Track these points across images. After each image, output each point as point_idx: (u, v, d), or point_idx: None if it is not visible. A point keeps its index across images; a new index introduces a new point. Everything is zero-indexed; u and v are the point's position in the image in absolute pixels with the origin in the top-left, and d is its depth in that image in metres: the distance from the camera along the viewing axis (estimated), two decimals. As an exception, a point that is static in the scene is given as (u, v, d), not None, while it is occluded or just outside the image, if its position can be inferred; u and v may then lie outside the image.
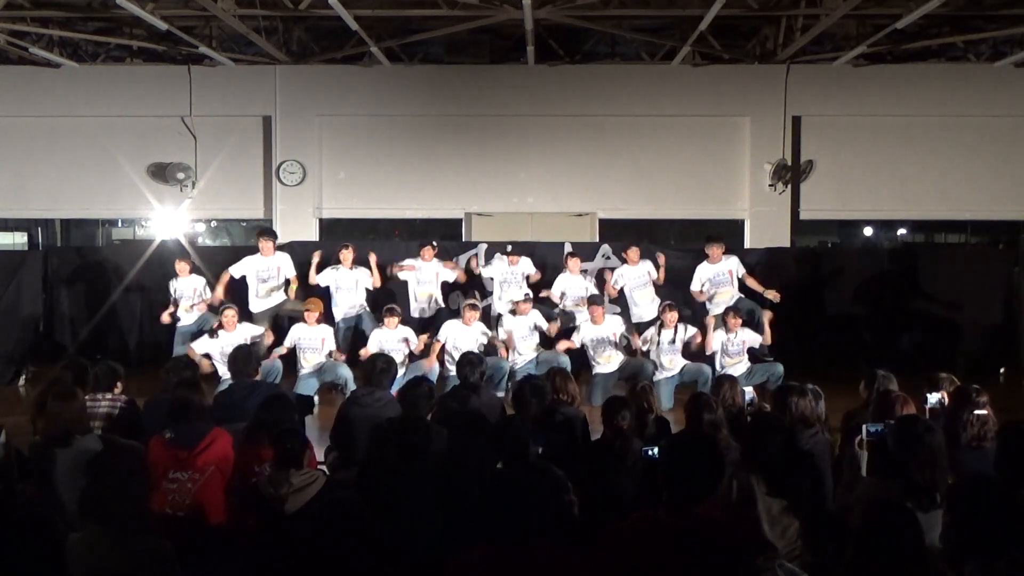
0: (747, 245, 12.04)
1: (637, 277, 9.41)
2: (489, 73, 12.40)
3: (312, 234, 12.31)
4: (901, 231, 14.09)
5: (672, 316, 8.43)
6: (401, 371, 7.88)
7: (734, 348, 8.44)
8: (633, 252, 9.44)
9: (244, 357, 5.91)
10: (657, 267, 9.43)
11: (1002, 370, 10.17)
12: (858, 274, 10.66)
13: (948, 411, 4.65)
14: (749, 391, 7.65)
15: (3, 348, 9.74)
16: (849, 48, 11.22)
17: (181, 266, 9.28)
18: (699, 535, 2.81)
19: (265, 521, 3.86)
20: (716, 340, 8.44)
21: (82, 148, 12.47)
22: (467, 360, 5.95)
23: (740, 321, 8.42)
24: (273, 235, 9.53)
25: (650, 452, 4.28)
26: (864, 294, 10.58)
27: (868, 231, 14.15)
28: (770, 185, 12.20)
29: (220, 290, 9.03)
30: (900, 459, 3.64)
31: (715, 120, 12.42)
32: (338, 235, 12.67)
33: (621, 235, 11.93)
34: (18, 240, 13.33)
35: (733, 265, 9.28)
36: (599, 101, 12.29)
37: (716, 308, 9.04)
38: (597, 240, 11.69)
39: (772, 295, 9.07)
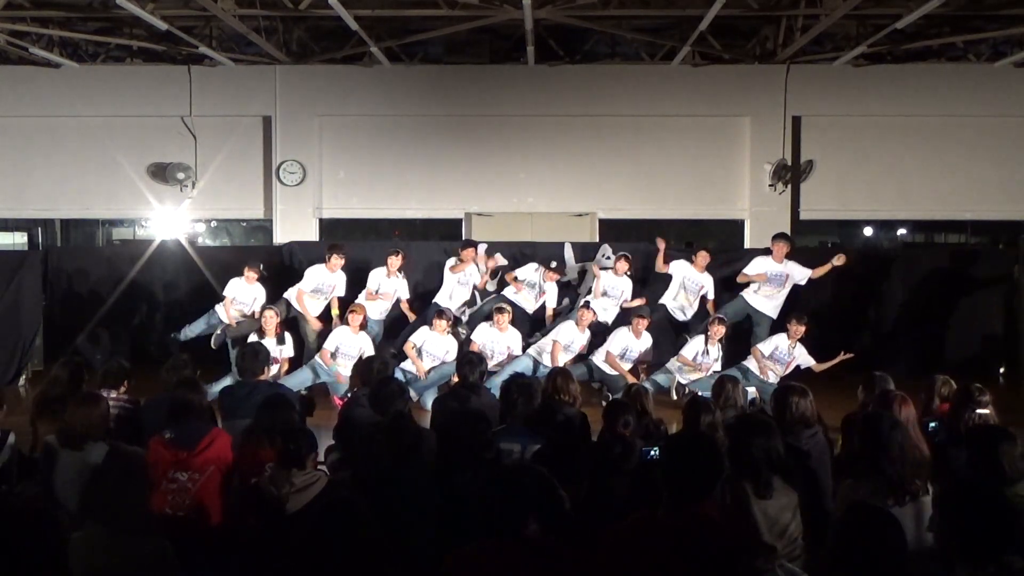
0: (747, 245, 12.05)
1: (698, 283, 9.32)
2: (489, 73, 12.40)
3: (312, 234, 12.32)
4: (901, 231, 14.09)
5: (718, 330, 8.32)
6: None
7: (784, 356, 8.28)
8: (702, 257, 9.28)
9: (252, 356, 5.90)
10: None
11: (1002, 370, 10.17)
12: (858, 274, 10.65)
13: (949, 410, 4.65)
14: (751, 391, 7.68)
15: (3, 348, 9.74)
16: (849, 48, 11.22)
17: (250, 273, 9.00)
18: (699, 535, 2.82)
19: (265, 521, 3.86)
20: (768, 345, 8.37)
21: (82, 148, 12.48)
22: (467, 360, 5.95)
23: (803, 329, 8.21)
24: (342, 250, 9.18)
25: (651, 453, 4.29)
26: (864, 294, 10.58)
27: (868, 231, 14.15)
28: (770, 185, 12.20)
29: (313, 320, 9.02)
30: (870, 457, 3.64)
31: (715, 120, 12.42)
32: (338, 235, 12.68)
33: (621, 235, 11.95)
34: (18, 240, 13.33)
35: (792, 270, 9.13)
36: (599, 101, 12.29)
37: (762, 301, 9.07)
38: (597, 240, 11.68)
39: (839, 259, 8.99)
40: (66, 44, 11.84)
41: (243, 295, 9.07)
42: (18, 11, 10.03)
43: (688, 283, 9.30)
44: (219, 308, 9.07)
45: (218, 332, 8.97)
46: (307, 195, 12.39)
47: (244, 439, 4.56)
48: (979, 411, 4.36)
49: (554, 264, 9.37)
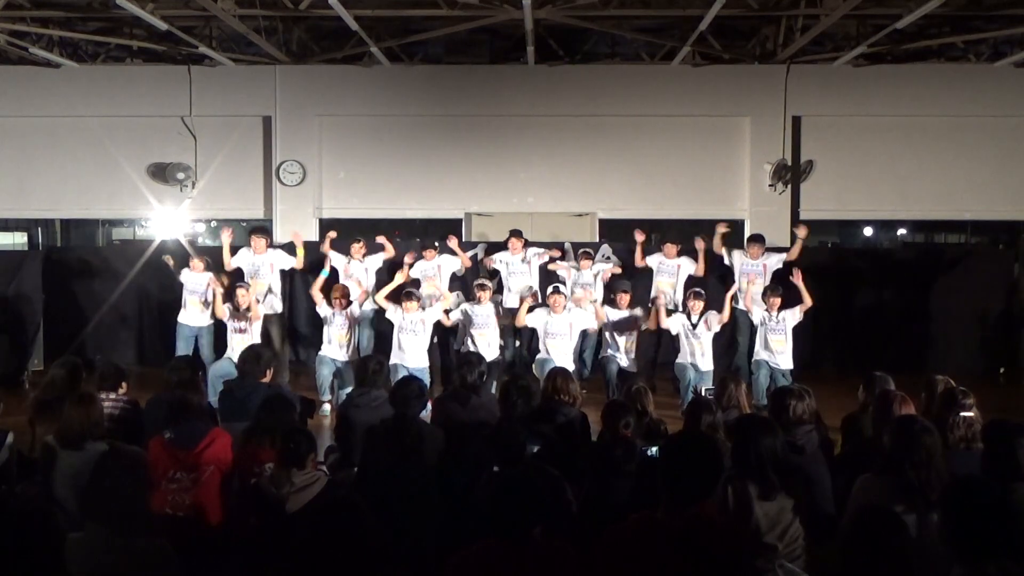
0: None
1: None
2: (489, 73, 12.40)
3: (312, 234, 12.30)
4: (901, 231, 14.10)
5: (697, 304, 8.43)
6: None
7: (777, 325, 8.41)
8: (670, 247, 9.60)
9: (253, 358, 5.90)
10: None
11: (1002, 370, 10.17)
12: (858, 274, 10.67)
13: (935, 414, 4.65)
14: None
15: (3, 348, 9.75)
16: (849, 48, 11.22)
17: (195, 263, 9.13)
18: (699, 535, 2.81)
19: (265, 520, 3.86)
20: (756, 314, 8.53)
21: (82, 148, 12.47)
22: (466, 360, 5.95)
23: (780, 300, 8.42)
24: (265, 232, 9.52)
25: (649, 452, 4.30)
26: (863, 294, 10.60)
27: (868, 231, 14.15)
28: (770, 185, 12.20)
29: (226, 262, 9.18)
30: (897, 458, 3.64)
31: (715, 120, 12.42)
32: (338, 235, 12.65)
33: (621, 235, 11.95)
34: (18, 240, 13.33)
35: (768, 260, 9.41)
36: (599, 101, 12.29)
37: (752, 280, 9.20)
38: (597, 240, 11.68)
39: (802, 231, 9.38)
40: (66, 44, 11.84)
41: (196, 283, 9.16)
42: (18, 11, 10.02)
43: (662, 267, 9.53)
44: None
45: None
46: (307, 195, 12.39)
47: (244, 439, 4.56)
48: (963, 414, 4.36)
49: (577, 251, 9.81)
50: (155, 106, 12.24)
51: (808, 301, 8.48)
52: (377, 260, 9.67)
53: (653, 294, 9.39)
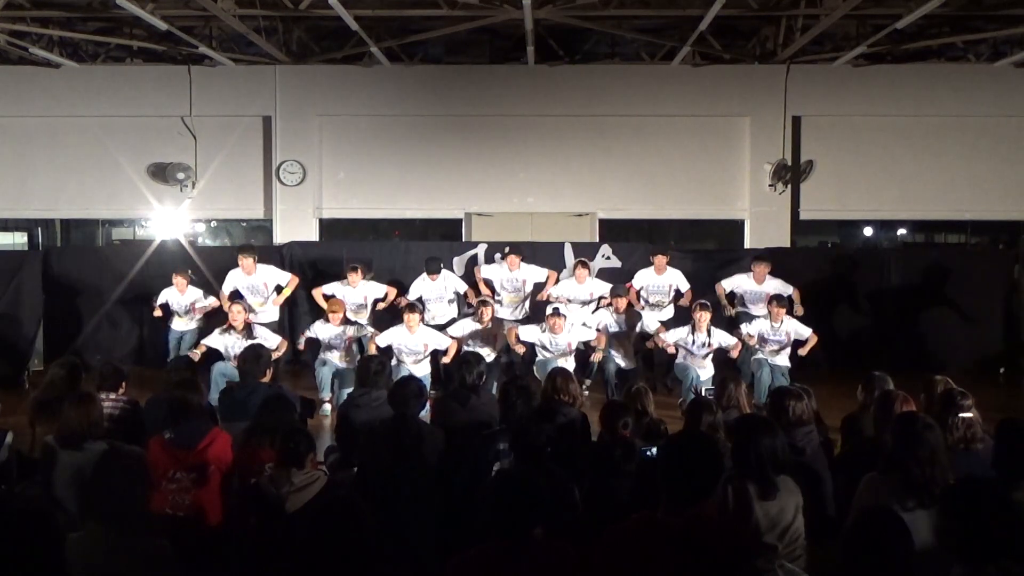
0: (747, 245, 12.05)
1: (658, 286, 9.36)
2: (489, 73, 12.40)
3: (312, 234, 12.32)
4: (901, 231, 14.08)
5: (703, 316, 8.12)
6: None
7: (777, 336, 8.29)
8: (660, 259, 9.33)
9: (253, 358, 5.90)
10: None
11: (1002, 370, 10.17)
12: (858, 275, 10.67)
13: (935, 414, 4.65)
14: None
15: (3, 349, 9.74)
16: (849, 48, 11.22)
17: (179, 281, 9.15)
18: (699, 535, 2.81)
19: (265, 520, 3.86)
20: (751, 328, 8.34)
21: (82, 148, 12.47)
22: (465, 360, 5.95)
23: (784, 310, 8.30)
24: (251, 250, 9.32)
25: (648, 452, 4.30)
26: (864, 295, 10.59)
27: (868, 231, 14.14)
28: (770, 185, 12.20)
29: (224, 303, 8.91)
30: (899, 456, 3.64)
31: (715, 120, 12.42)
32: (338, 235, 12.69)
33: (621, 235, 11.96)
34: (18, 240, 13.33)
35: (772, 288, 9.09)
36: (599, 101, 12.29)
37: (754, 308, 9.09)
38: (597, 240, 11.68)
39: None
40: (66, 44, 11.84)
41: (180, 302, 9.23)
42: (18, 11, 10.02)
43: (652, 288, 9.34)
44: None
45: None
46: (307, 195, 12.39)
47: (244, 439, 4.56)
48: (962, 415, 4.36)
49: (507, 249, 9.57)
50: (155, 106, 12.25)
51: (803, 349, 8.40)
52: (378, 289, 9.25)
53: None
